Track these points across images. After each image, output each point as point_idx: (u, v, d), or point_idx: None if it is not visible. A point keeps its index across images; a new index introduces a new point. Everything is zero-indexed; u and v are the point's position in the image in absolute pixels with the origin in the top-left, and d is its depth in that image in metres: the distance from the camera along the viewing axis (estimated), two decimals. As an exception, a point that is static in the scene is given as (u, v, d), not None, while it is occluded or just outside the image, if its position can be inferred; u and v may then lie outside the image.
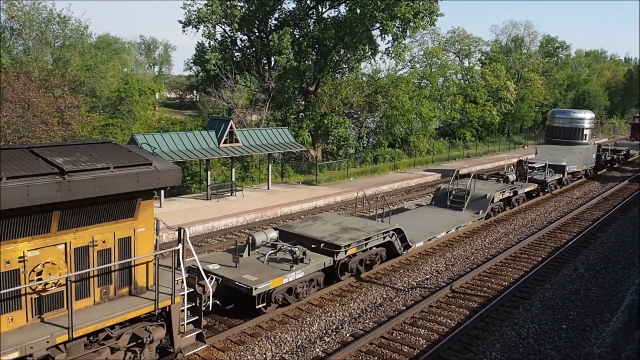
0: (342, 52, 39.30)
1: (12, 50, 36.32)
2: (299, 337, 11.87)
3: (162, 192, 23.62)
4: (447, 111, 52.82)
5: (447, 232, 18.90)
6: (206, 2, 36.24)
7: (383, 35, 36.62)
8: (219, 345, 11.22)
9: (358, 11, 36.18)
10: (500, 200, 23.10)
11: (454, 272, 16.52)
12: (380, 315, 13.09)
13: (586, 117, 34.20)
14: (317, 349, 11.28)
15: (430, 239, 17.92)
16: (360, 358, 10.96)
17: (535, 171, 28.73)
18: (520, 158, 28.69)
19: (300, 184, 31.21)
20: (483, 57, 65.32)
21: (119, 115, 37.06)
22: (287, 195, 27.19)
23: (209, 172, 26.28)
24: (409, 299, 14.20)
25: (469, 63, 65.45)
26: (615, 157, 41.72)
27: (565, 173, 30.30)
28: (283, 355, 11.04)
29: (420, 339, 11.84)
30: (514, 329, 12.38)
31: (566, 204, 27.71)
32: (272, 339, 11.70)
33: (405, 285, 15.34)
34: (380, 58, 68.35)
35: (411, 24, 35.75)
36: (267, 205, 24.40)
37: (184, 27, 37.55)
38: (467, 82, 61.09)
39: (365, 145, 46.65)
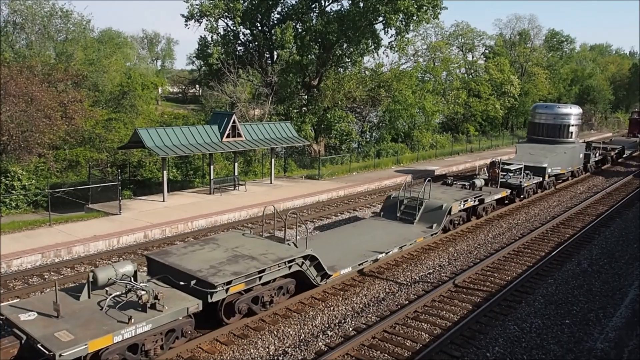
0: (345, 46, 39.16)
1: (15, 45, 36.31)
2: (301, 331, 11.90)
3: (165, 186, 23.67)
4: (450, 105, 52.68)
5: (386, 253, 15.62)
6: (209, -5, 36.16)
7: (386, 29, 36.49)
8: (222, 339, 11.26)
9: (361, 5, 36.02)
10: (463, 210, 20.23)
11: (456, 267, 16.51)
12: (383, 310, 13.10)
13: (572, 112, 30.31)
14: (320, 343, 11.30)
15: (362, 263, 14.75)
16: (363, 352, 10.97)
17: (511, 174, 25.78)
18: (494, 159, 25.26)
19: (303, 179, 31.20)
20: (487, 51, 65.05)
21: (122, 109, 37.06)
22: (289, 189, 27.19)
23: (211, 167, 26.29)
24: (411, 294, 14.21)
25: (473, 57, 65.21)
26: (607, 156, 38.92)
27: (547, 176, 27.43)
28: (286, 349, 11.06)
29: (423, 333, 11.86)
30: (516, 324, 12.37)
31: (570, 198, 27.64)
32: (275, 332, 11.72)
33: (408, 279, 15.34)
34: (383, 52, 68.44)
35: (414, 18, 35.61)
36: (270, 200, 24.40)
37: (186, 21, 37.48)
38: (470, 76, 60.88)
39: (368, 139, 46.59)
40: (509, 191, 23.93)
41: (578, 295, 14.32)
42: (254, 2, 38.33)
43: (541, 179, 27.00)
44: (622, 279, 15.66)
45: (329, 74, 40.11)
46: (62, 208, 21.98)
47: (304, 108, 40.15)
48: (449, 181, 23.37)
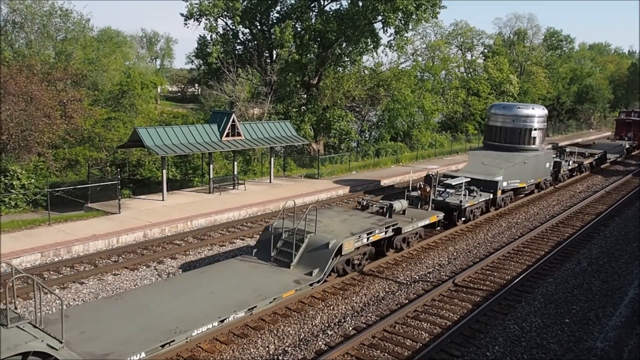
0: (344, 45, 39.17)
1: (15, 44, 36.27)
2: (301, 330, 11.90)
3: (165, 185, 23.65)
4: (449, 104, 52.69)
5: (220, 322, 10.78)
6: (208, -6, 36.14)
7: (385, 28, 36.55)
8: (222, 338, 11.25)
9: (360, 4, 36.04)
10: (370, 244, 15.37)
11: (456, 266, 16.53)
12: (383, 309, 13.10)
13: (535, 114, 25.30)
14: (320, 342, 11.30)
15: (167, 344, 9.79)
16: (363, 351, 10.98)
17: (451, 190, 21.14)
18: (429, 172, 21.13)
19: (302, 178, 31.20)
20: (486, 50, 65.11)
21: (121, 108, 37.02)
22: (289, 188, 27.19)
23: (211, 166, 26.28)
24: (411, 293, 14.21)
25: (472, 56, 65.25)
26: (584, 163, 34.33)
27: (499, 191, 22.84)
28: (286, 348, 11.06)
29: (423, 332, 11.87)
30: (516, 323, 12.38)
31: (569, 197, 27.68)
32: (275, 332, 11.72)
33: (407, 278, 15.35)
34: (382, 51, 68.45)
35: (413, 17, 35.64)
36: (270, 199, 24.41)
37: (185, 20, 37.43)
38: (469, 75, 60.90)
39: (367, 138, 46.59)
40: (441, 215, 18.87)
41: (578, 294, 14.34)
42: (253, 2, 38.31)
43: (491, 195, 22.35)
44: (621, 278, 15.68)
45: (328, 73, 40.11)
46: (62, 207, 21.94)
47: (303, 107, 40.14)
48: (364, 202, 18.39)
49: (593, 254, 17.84)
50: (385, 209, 17.35)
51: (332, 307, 13.12)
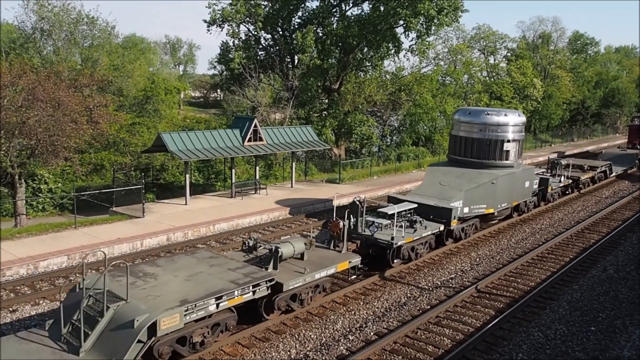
0: (365, 50, 39.25)
1: (43, 51, 37.19)
2: (323, 335, 11.92)
3: (188, 189, 23.95)
4: (471, 109, 52.24)
5: None
6: (230, 1, 36.60)
7: (407, 33, 36.49)
8: (243, 342, 11.34)
9: (381, 8, 36.08)
10: (227, 309, 10.71)
11: (479, 272, 16.36)
12: (404, 314, 13.04)
13: (509, 121, 20.15)
14: (341, 347, 11.30)
15: None
16: (385, 357, 10.95)
17: (385, 222, 16.20)
18: (356, 198, 16.35)
19: (324, 182, 31.26)
20: (509, 54, 64.42)
21: (146, 114, 37.70)
22: (310, 193, 27.26)
23: (233, 170, 26.54)
24: (433, 299, 14.12)
25: (495, 60, 64.65)
26: (582, 178, 29.23)
27: (455, 221, 17.82)
28: (307, 353, 11.09)
29: (445, 338, 11.77)
30: (540, 330, 12.20)
31: (595, 203, 27.16)
32: (297, 336, 11.77)
33: (429, 284, 15.25)
34: (404, 56, 68.34)
35: (435, 21, 35.51)
36: (291, 204, 24.50)
37: (208, 26, 38.00)
38: (492, 79, 60.34)
39: (388, 143, 46.48)
40: (356, 259, 14.00)
41: (604, 301, 14.06)
42: (275, 7, 38.64)
43: (441, 227, 17.39)
44: (649, 285, 15.34)
45: (350, 78, 40.19)
46: (87, 211, 22.41)
47: (325, 112, 40.30)
48: (252, 242, 13.36)
49: (619, 261, 17.48)
50: (271, 252, 12.51)
51: (353, 312, 13.12)
